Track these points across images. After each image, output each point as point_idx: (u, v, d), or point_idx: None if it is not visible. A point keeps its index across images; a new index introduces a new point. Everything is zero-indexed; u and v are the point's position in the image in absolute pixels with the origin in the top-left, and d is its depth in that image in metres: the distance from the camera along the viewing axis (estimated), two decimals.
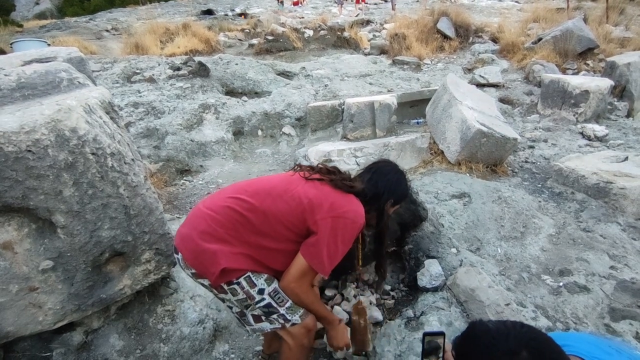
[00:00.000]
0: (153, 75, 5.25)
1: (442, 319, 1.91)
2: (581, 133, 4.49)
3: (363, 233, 1.64)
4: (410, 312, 2.05)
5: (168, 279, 2.04)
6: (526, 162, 3.90)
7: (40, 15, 21.13)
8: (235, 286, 1.34)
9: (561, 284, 2.16)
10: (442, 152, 3.84)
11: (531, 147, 4.21)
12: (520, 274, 2.26)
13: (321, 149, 3.79)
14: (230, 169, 4.01)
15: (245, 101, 5.15)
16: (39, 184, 1.42)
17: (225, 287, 1.34)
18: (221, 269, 1.29)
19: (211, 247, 1.31)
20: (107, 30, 11.50)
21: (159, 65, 5.67)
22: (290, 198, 1.37)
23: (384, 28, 10.56)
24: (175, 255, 1.42)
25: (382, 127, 4.37)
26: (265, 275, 1.39)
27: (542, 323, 1.89)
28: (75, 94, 1.69)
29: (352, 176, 1.57)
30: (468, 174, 3.47)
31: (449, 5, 10.55)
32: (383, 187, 1.52)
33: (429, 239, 2.43)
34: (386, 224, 1.62)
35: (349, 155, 3.72)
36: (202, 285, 1.41)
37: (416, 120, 5.06)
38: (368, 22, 11.90)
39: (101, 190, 1.56)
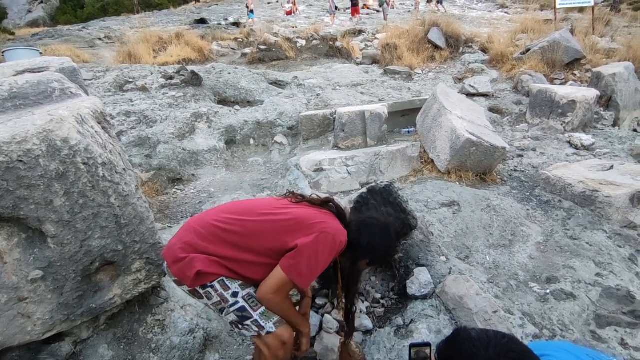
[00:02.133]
0: (145, 84, 5.26)
1: (431, 327, 1.94)
2: (569, 142, 4.58)
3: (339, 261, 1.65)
4: (399, 320, 2.07)
5: (159, 289, 2.03)
6: (515, 170, 3.96)
7: (33, 24, 21.07)
8: (210, 289, 1.37)
9: (548, 291, 2.19)
10: (433, 161, 3.89)
11: (520, 155, 4.29)
12: (508, 281, 2.29)
13: (313, 158, 3.83)
14: (223, 178, 4.02)
15: (238, 110, 5.18)
16: (29, 194, 1.42)
17: (201, 290, 1.38)
18: (196, 272, 1.33)
19: (189, 255, 1.37)
20: (100, 39, 11.50)
21: (152, 74, 5.69)
22: (275, 218, 1.43)
23: (375, 38, 10.72)
24: (164, 264, 1.47)
25: (373, 136, 4.43)
26: (240, 281, 1.42)
27: (529, 330, 1.92)
28: (67, 104, 1.70)
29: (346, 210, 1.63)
30: (458, 183, 3.52)
31: (440, 16, 10.75)
32: (364, 243, 1.50)
33: (418, 247, 2.46)
34: (356, 275, 1.69)
35: (341, 164, 3.75)
36: (184, 291, 1.46)
37: (407, 130, 5.12)
38: (360, 32, 12.07)
39: (92, 199, 1.57)
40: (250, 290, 1.43)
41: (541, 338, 1.88)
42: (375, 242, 1.52)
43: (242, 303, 1.40)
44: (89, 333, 1.80)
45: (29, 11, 23.65)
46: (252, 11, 15.87)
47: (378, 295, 2.32)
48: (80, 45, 10.09)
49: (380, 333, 1.99)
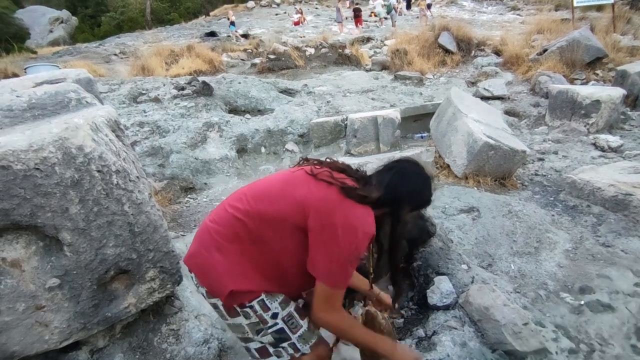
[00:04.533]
0: (158, 95, 5.31)
1: (456, 339, 1.84)
2: (594, 144, 4.41)
3: (372, 245, 1.45)
4: (421, 332, 1.98)
5: (172, 298, 1.99)
6: (536, 175, 3.83)
7: (54, 42, 21.79)
8: (248, 309, 1.26)
9: (582, 302, 2.06)
10: (448, 165, 3.79)
11: (541, 159, 4.16)
12: (536, 291, 2.18)
13: None
14: (234, 186, 3.99)
15: (249, 119, 5.18)
16: (46, 202, 1.41)
17: (238, 309, 1.27)
18: (229, 291, 1.22)
19: (215, 262, 1.25)
20: (116, 54, 11.79)
21: (164, 85, 5.75)
22: (289, 199, 1.25)
23: (384, 44, 10.71)
24: (190, 275, 1.37)
25: (386, 142, 4.36)
26: (281, 297, 1.30)
27: (564, 344, 1.80)
28: (82, 113, 1.70)
29: (367, 174, 1.39)
30: (476, 188, 3.42)
31: (449, 20, 10.69)
32: (404, 191, 1.32)
33: (438, 255, 2.37)
34: (402, 231, 1.37)
35: None
36: (214, 305, 1.33)
37: (420, 135, 5.04)
38: (369, 39, 12.07)
39: (106, 207, 1.54)
40: (291, 309, 1.31)
41: (578, 353, 1.76)
42: (416, 184, 1.35)
43: (281, 325, 1.29)
44: (105, 342, 1.77)
45: (50, 31, 24.48)
46: (232, 23, 16.02)
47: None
48: (96, 60, 10.34)
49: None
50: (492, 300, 1.91)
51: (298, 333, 1.31)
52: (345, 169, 1.36)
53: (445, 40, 8.59)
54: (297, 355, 1.31)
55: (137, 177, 1.73)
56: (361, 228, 1.20)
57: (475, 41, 8.90)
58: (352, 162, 3.74)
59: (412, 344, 1.90)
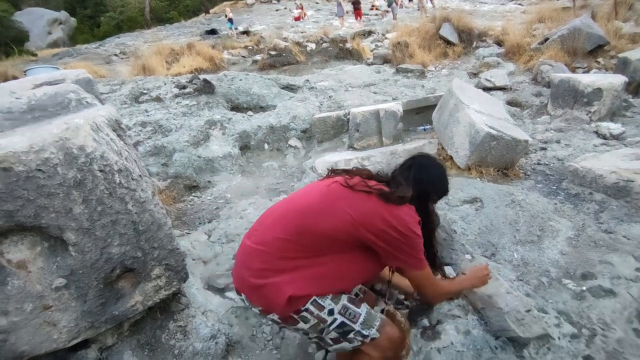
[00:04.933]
0: (160, 94, 5.33)
1: (459, 328, 1.85)
2: (596, 132, 4.39)
3: None
4: (425, 321, 1.98)
5: (179, 295, 2.02)
6: (539, 164, 3.82)
7: (53, 44, 21.83)
8: (305, 313, 1.31)
9: (584, 288, 2.07)
10: (451, 157, 3.79)
11: (543, 148, 4.14)
12: (539, 278, 2.18)
13: (328, 160, 3.78)
14: (238, 184, 4.02)
15: (251, 116, 5.19)
16: (49, 202, 1.42)
17: (295, 316, 1.31)
18: (287, 297, 1.26)
19: (272, 281, 1.29)
20: (116, 55, 11.82)
21: (165, 84, 5.77)
22: (335, 212, 1.32)
23: (386, 38, 10.65)
24: (239, 297, 1.41)
25: (389, 135, 4.36)
26: (330, 295, 1.34)
27: (566, 329, 1.81)
28: (83, 113, 1.72)
29: (389, 175, 1.50)
30: (479, 179, 3.41)
31: (450, 11, 10.60)
32: (430, 182, 1.48)
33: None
34: (434, 220, 1.54)
35: (357, 164, 3.70)
36: (272, 320, 1.38)
37: (423, 127, 5.03)
38: (370, 32, 12.01)
39: (110, 206, 1.56)
40: (344, 301, 1.37)
41: (580, 337, 1.77)
42: (435, 175, 1.53)
43: (340, 318, 1.34)
44: (114, 340, 1.80)
45: (49, 33, 24.51)
46: (230, 20, 15.74)
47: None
48: (97, 61, 10.39)
49: None
50: (495, 289, 1.91)
51: (359, 321, 1.36)
52: (373, 176, 1.47)
53: (447, 31, 8.53)
54: (367, 341, 1.37)
55: (140, 175, 1.74)
56: (412, 222, 1.35)
57: (477, 32, 8.83)
58: (355, 156, 3.77)
59: (416, 334, 1.91)
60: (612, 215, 2.71)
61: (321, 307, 1.31)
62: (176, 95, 5.37)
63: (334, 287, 1.35)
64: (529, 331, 1.74)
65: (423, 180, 1.45)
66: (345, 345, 1.38)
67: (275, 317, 1.33)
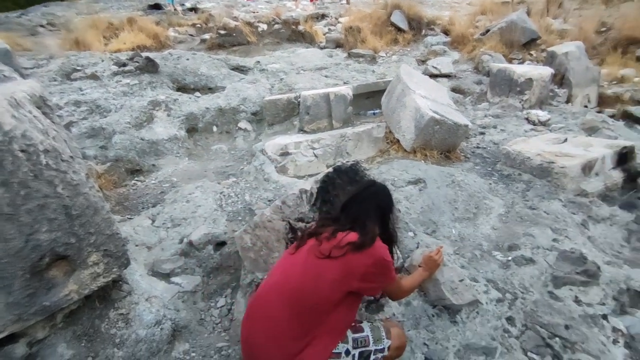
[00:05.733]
0: (96, 71, 4.94)
1: (401, 300, 1.97)
2: (527, 118, 4.76)
3: None
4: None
5: (120, 282, 1.94)
6: (478, 147, 4.08)
7: None
8: None
9: (510, 258, 2.28)
10: (398, 140, 3.92)
11: (482, 133, 4.42)
12: (473, 252, 2.36)
13: (278, 142, 3.76)
14: (185, 167, 3.88)
15: (199, 97, 4.98)
16: None
17: None
18: None
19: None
20: (42, 26, 10.63)
21: (103, 61, 5.35)
22: (325, 285, 1.43)
23: (339, 22, 10.61)
24: None
25: (339, 119, 4.41)
26: (338, 343, 1.47)
27: (493, 295, 1.99)
28: None
29: (336, 210, 1.68)
30: (423, 161, 3.58)
31: None
32: (386, 209, 1.68)
33: (395, 231, 2.47)
34: (395, 232, 1.75)
35: (307, 147, 3.71)
36: None
37: (372, 111, 5.14)
38: (323, 16, 11.89)
39: (36, 190, 1.45)
40: (351, 336, 1.51)
41: (504, 301, 1.96)
42: (388, 198, 1.72)
43: (356, 352, 1.49)
44: (45, 332, 1.69)
45: None
46: None
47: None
48: (20, 33, 9.29)
49: None
50: None
51: (371, 342, 1.53)
52: (327, 222, 1.60)
53: (398, 18, 8.68)
54: (386, 353, 1.55)
55: (71, 157, 1.63)
56: (384, 252, 1.52)
57: (426, 20, 9.08)
58: (306, 139, 3.78)
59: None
60: (536, 193, 2.98)
61: (338, 355, 1.46)
62: (115, 74, 5.00)
63: (343, 334, 1.49)
64: (462, 298, 1.90)
65: (381, 207, 1.66)
66: None
67: None
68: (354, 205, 1.64)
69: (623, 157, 3.29)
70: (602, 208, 2.94)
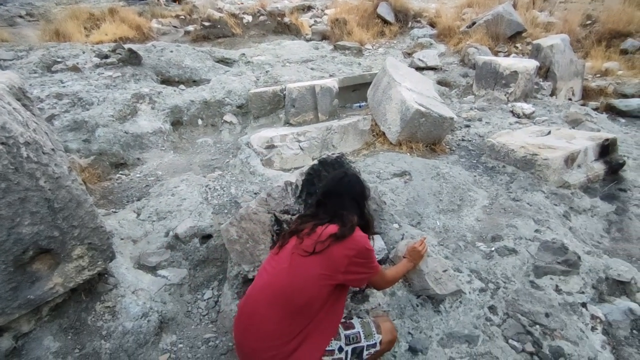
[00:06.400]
0: (77, 63, 4.81)
1: (386, 290, 2.00)
2: (512, 111, 4.83)
3: None
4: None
5: (106, 275, 1.92)
6: (463, 140, 4.13)
7: None
8: None
9: (493, 248, 2.34)
10: (384, 133, 3.96)
11: (467, 126, 4.47)
12: (457, 243, 2.41)
13: (264, 135, 3.75)
14: (170, 160, 3.83)
15: (183, 90, 4.91)
16: None
17: None
18: None
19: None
20: (21, 16, 10.28)
21: (84, 53, 5.21)
22: (314, 281, 1.45)
23: (325, 14, 10.55)
24: None
25: (325, 111, 4.41)
26: (331, 340, 1.50)
27: (476, 285, 2.04)
28: None
29: (322, 200, 1.69)
30: (409, 154, 3.62)
31: None
32: (360, 197, 1.71)
33: (372, 216, 2.50)
34: (371, 217, 1.80)
35: (292, 140, 3.71)
36: None
37: (358, 104, 5.15)
38: (309, 7, 11.79)
39: (17, 183, 1.42)
40: (343, 333, 1.54)
41: (487, 291, 2.02)
42: (361, 187, 1.74)
43: (349, 348, 1.53)
44: (31, 326, 1.68)
45: None
46: None
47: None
48: None
49: None
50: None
51: (362, 338, 1.57)
52: (315, 223, 1.58)
53: (384, 10, 8.67)
54: (378, 347, 1.58)
55: (53, 149, 1.60)
56: (364, 240, 1.55)
57: (412, 12, 9.08)
58: (291, 131, 3.77)
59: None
60: (519, 185, 3.05)
61: (332, 352, 1.49)
62: (97, 66, 4.88)
63: (335, 330, 1.52)
64: (445, 288, 1.94)
65: (355, 198, 1.69)
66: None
67: None
68: (330, 199, 1.67)
69: (605, 149, 3.38)
70: (584, 199, 3.02)
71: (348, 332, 1.57)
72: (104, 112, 3.97)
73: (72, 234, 1.64)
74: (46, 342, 1.67)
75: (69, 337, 1.72)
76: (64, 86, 4.25)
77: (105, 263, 1.81)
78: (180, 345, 1.91)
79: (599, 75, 6.98)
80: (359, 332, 1.58)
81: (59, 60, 4.89)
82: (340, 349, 1.51)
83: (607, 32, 7.67)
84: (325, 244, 1.47)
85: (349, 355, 1.53)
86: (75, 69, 4.67)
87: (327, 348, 1.47)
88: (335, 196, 1.67)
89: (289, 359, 1.40)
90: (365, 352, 1.56)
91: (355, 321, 1.63)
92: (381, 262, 2.18)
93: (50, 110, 3.77)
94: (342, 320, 1.60)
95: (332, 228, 1.52)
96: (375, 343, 1.58)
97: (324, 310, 1.46)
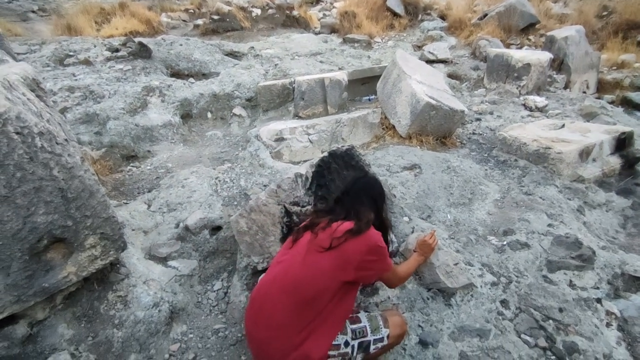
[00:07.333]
0: (89, 57, 4.85)
1: None
2: (524, 104, 4.75)
3: None
4: None
5: (118, 265, 1.94)
6: (474, 133, 4.08)
7: None
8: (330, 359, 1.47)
9: (505, 242, 2.31)
10: (394, 126, 3.92)
11: (478, 119, 4.41)
12: (468, 236, 2.39)
13: (273, 128, 3.74)
14: (180, 153, 3.85)
15: (193, 83, 4.92)
16: None
17: None
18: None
19: (297, 354, 1.40)
20: (34, 12, 10.40)
21: (95, 47, 5.26)
22: (326, 274, 1.45)
23: (334, 7, 10.46)
24: None
25: (334, 104, 4.38)
26: (338, 335, 1.50)
27: (487, 279, 2.02)
28: None
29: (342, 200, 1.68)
30: (419, 147, 3.58)
31: None
32: (379, 199, 1.71)
33: (389, 220, 2.49)
34: (388, 221, 1.81)
35: (302, 133, 3.70)
36: None
37: (368, 97, 5.11)
38: (318, 0, 11.71)
39: (32, 172, 1.44)
40: (349, 327, 1.53)
41: (498, 285, 1.99)
42: (381, 189, 1.75)
43: (355, 342, 1.52)
44: (45, 314, 1.71)
45: None
46: None
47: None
48: (11, 18, 9.08)
49: None
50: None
51: (369, 332, 1.56)
52: (331, 219, 1.58)
53: (394, 3, 8.57)
54: (386, 341, 1.57)
55: (66, 140, 1.61)
56: (378, 238, 1.54)
57: (423, 5, 8.97)
58: (301, 124, 3.76)
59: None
60: (532, 179, 3.00)
61: (338, 346, 1.48)
62: (108, 59, 4.92)
63: (342, 324, 1.51)
64: (456, 282, 1.92)
65: (374, 198, 1.69)
66: (373, 352, 1.57)
67: None
68: (348, 198, 1.67)
69: (621, 143, 3.30)
70: (599, 194, 2.97)
71: (354, 326, 1.56)
72: (115, 105, 4.00)
73: (85, 223, 1.66)
74: (60, 329, 1.69)
75: (82, 325, 1.75)
76: (76, 79, 4.29)
77: (117, 253, 1.83)
78: (191, 336, 1.92)
79: (614, 67, 6.82)
80: (365, 326, 1.57)
81: (70, 54, 4.94)
82: (347, 343, 1.51)
83: (624, 23, 7.47)
84: (341, 240, 1.47)
85: (355, 350, 1.52)
86: (86, 62, 4.72)
87: (334, 342, 1.47)
88: (354, 193, 1.68)
89: (297, 350, 1.40)
90: (372, 347, 1.55)
91: (362, 315, 1.62)
92: (391, 255, 2.17)
93: (63, 103, 3.81)
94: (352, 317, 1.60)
95: (348, 224, 1.52)
96: (383, 337, 1.57)
97: (332, 303, 1.46)
